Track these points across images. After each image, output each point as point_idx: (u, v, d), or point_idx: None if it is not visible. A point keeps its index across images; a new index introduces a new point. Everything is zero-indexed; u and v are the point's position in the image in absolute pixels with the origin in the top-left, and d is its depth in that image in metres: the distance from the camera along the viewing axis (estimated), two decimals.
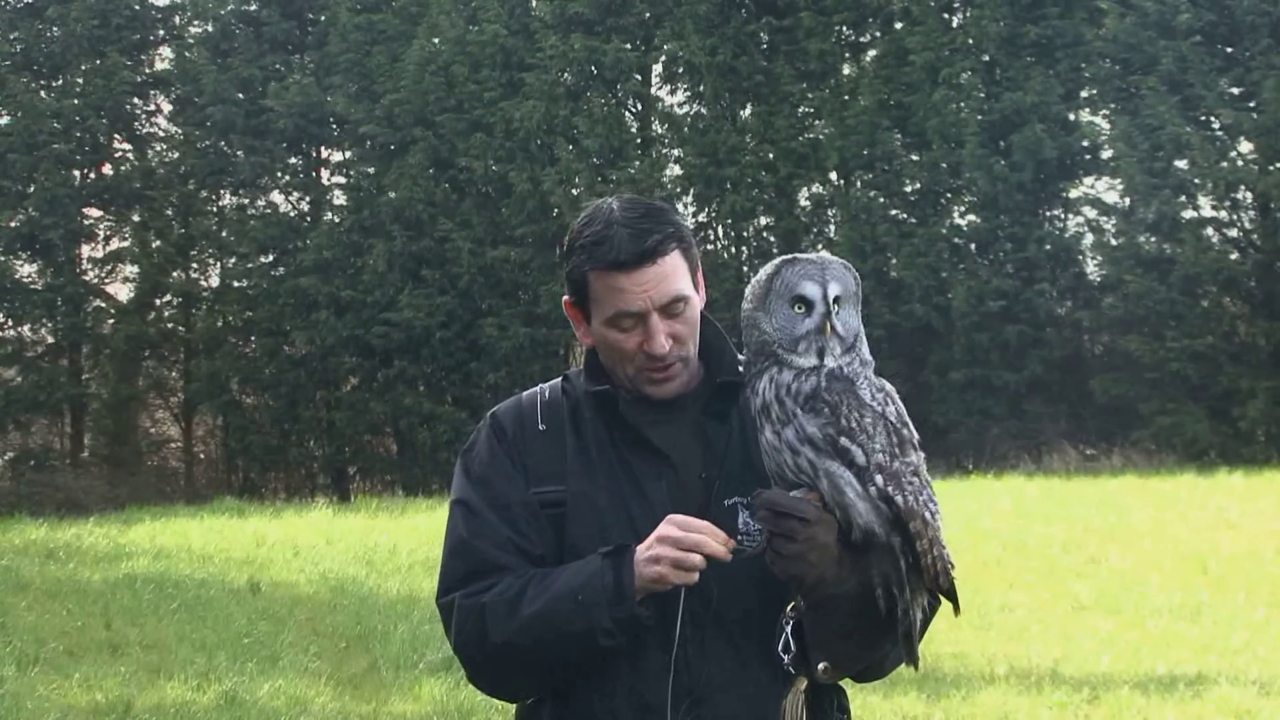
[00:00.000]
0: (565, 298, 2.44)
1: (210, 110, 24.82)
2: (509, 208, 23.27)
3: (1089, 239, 21.90)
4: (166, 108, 26.68)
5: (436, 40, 24.10)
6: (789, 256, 2.26)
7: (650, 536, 2.24)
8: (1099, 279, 21.81)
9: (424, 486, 22.64)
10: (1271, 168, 19.78)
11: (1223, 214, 20.78)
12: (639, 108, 24.74)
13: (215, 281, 26.21)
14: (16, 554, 12.53)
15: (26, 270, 25.52)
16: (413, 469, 24.02)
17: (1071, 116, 21.74)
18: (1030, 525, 12.44)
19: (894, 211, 22.42)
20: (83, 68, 25.56)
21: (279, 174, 25.86)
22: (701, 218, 23.70)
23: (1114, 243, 21.28)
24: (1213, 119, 20.46)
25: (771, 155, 22.85)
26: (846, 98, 22.85)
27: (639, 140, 24.24)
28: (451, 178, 23.98)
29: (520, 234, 22.99)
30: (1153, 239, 20.72)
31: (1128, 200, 21.29)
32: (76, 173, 25.79)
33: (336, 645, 8.89)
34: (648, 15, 23.72)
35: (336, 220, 25.10)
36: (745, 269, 22.57)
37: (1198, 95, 20.05)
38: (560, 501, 2.35)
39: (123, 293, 26.25)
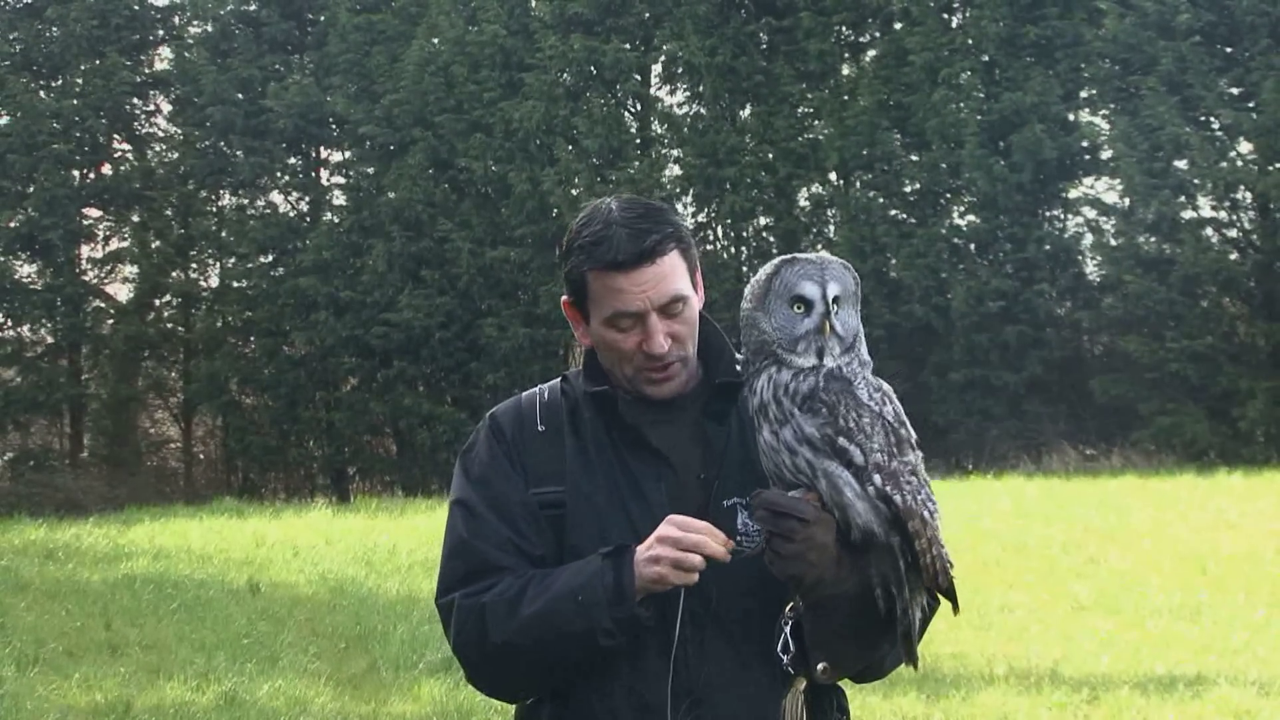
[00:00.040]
0: (564, 298, 2.44)
1: (210, 110, 24.82)
2: (508, 208, 23.27)
3: (1088, 239, 21.92)
4: (166, 108, 26.71)
5: (436, 40, 24.10)
6: (788, 256, 2.26)
7: (650, 537, 2.24)
8: (1098, 279, 21.81)
9: (423, 487, 22.63)
10: (1271, 168, 19.78)
11: (1222, 214, 20.79)
12: (638, 108, 24.74)
13: (215, 282, 26.22)
14: (16, 554, 12.53)
15: (26, 270, 25.54)
16: (412, 469, 24.02)
17: (1071, 117, 21.74)
18: (1030, 526, 12.44)
19: (893, 212, 22.42)
20: (82, 68, 25.57)
21: (278, 174, 25.86)
22: (701, 218, 23.70)
23: (1113, 243, 21.28)
24: (1212, 119, 20.46)
25: (771, 155, 22.85)
26: (846, 98, 22.85)
27: (638, 140, 24.24)
28: (451, 178, 23.98)
29: (520, 234, 22.99)
30: (1152, 239, 20.72)
31: (1127, 200, 21.29)
32: (76, 173, 25.79)
33: (336, 646, 8.89)
34: (647, 15, 23.72)
35: (336, 221, 25.10)
36: (745, 269, 22.56)
37: (1197, 95, 20.05)
38: (559, 502, 2.35)
39: (122, 293, 26.30)
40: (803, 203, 23.84)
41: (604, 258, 2.31)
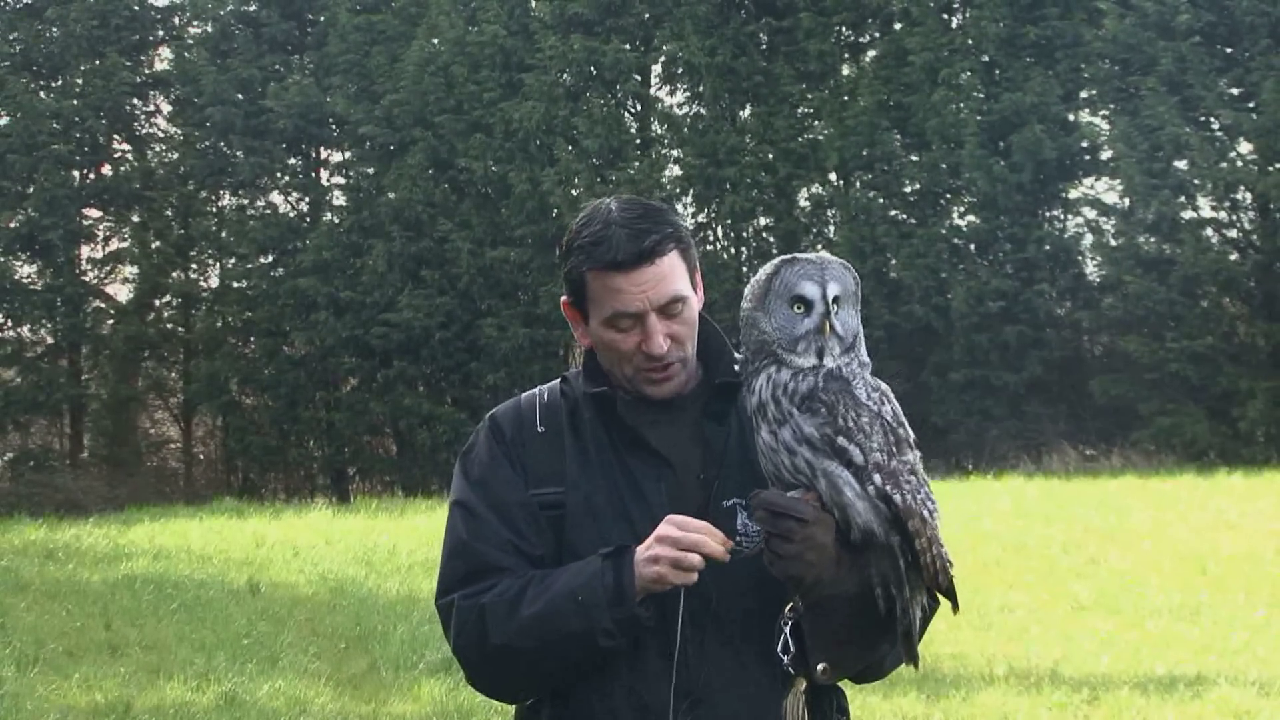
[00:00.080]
0: (563, 298, 2.44)
1: (210, 111, 24.82)
2: (508, 208, 23.27)
3: (1088, 239, 21.93)
4: (166, 108, 26.72)
5: (436, 41, 24.10)
6: (788, 256, 2.26)
7: (649, 537, 2.24)
8: (1098, 279, 21.81)
9: (423, 487, 22.63)
10: (1271, 168, 19.78)
11: (1222, 214, 20.79)
12: (638, 108, 24.74)
13: (215, 282, 26.22)
14: (16, 555, 12.53)
15: (26, 271, 25.54)
16: (412, 469, 24.02)
17: (1071, 117, 21.74)
18: (1030, 526, 12.44)
19: (893, 212, 22.42)
20: (82, 68, 25.57)
21: (278, 174, 25.86)
22: (701, 218, 23.70)
23: (1113, 243, 21.29)
24: (1212, 119, 20.47)
25: (771, 156, 22.86)
26: (846, 98, 22.85)
27: (638, 141, 24.24)
28: (451, 178, 23.99)
29: (520, 234, 23.00)
30: (1152, 239, 20.72)
31: (1127, 201, 21.29)
32: (76, 173, 25.80)
33: (336, 646, 8.88)
34: (647, 16, 23.72)
35: (336, 221, 25.10)
36: (745, 270, 22.56)
37: (1197, 96, 20.05)
38: (559, 503, 2.35)
39: (122, 293, 26.31)
40: (803, 203, 23.84)
41: (603, 258, 2.31)
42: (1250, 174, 20.01)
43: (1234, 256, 20.54)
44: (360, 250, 23.83)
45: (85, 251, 25.82)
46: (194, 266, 26.13)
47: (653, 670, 2.28)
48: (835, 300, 2.21)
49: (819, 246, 22.55)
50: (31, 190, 24.74)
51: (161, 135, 26.76)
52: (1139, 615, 9.01)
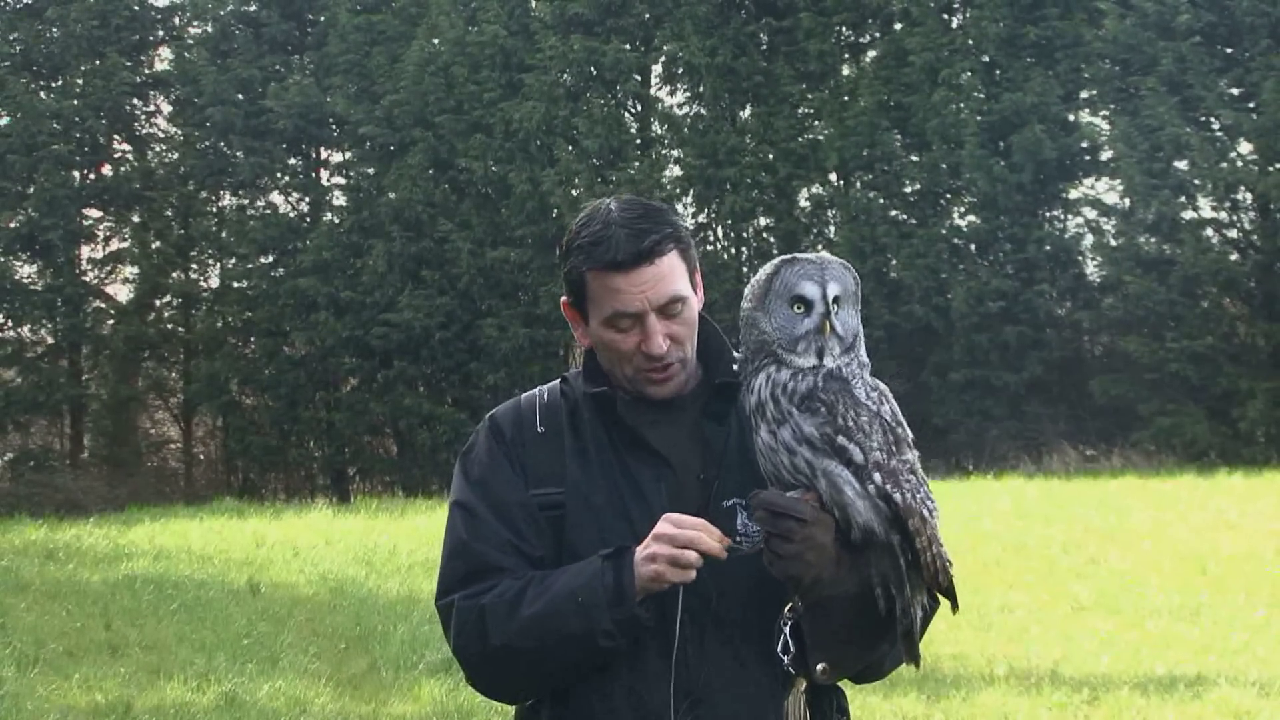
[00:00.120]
0: (563, 298, 2.44)
1: (210, 111, 24.83)
2: (508, 208, 23.27)
3: (1089, 240, 21.93)
4: (166, 108, 26.72)
5: (436, 41, 24.11)
6: (788, 256, 2.26)
7: (648, 536, 2.24)
8: (1099, 280, 21.81)
9: (423, 487, 22.63)
10: (1271, 168, 19.78)
11: (1222, 215, 20.79)
12: (639, 108, 24.74)
13: (215, 282, 26.23)
14: (16, 555, 12.53)
15: (26, 271, 25.55)
16: (412, 470, 24.02)
17: (1071, 117, 21.74)
18: (1030, 526, 12.44)
19: (894, 212, 22.43)
20: (82, 68, 25.57)
21: (278, 175, 25.86)
22: (701, 218, 23.70)
23: (1114, 243, 21.29)
24: (1212, 120, 20.46)
25: (771, 156, 22.86)
26: (846, 98, 22.86)
27: (638, 141, 24.24)
28: (451, 178, 23.99)
29: (520, 235, 23.00)
30: (1152, 240, 20.72)
31: (1127, 201, 21.29)
32: (76, 173, 25.79)
33: (336, 646, 8.88)
34: (647, 16, 23.72)
35: (336, 221, 25.10)
36: (745, 270, 22.56)
37: (1197, 96, 20.05)
38: (559, 503, 2.35)
39: (122, 293, 26.30)
40: (803, 203, 23.84)
41: (603, 258, 2.31)
42: (1250, 174, 20.01)
43: (1234, 257, 20.54)
44: (360, 250, 23.84)
45: (85, 252, 25.85)
46: (194, 266, 26.14)
47: (653, 670, 2.28)
48: (835, 300, 2.21)
49: (819, 247, 22.55)
50: (32, 190, 24.74)
51: (162, 135, 26.77)
52: (1139, 615, 9.01)
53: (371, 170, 24.61)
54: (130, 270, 25.98)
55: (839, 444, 2.14)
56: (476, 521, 2.37)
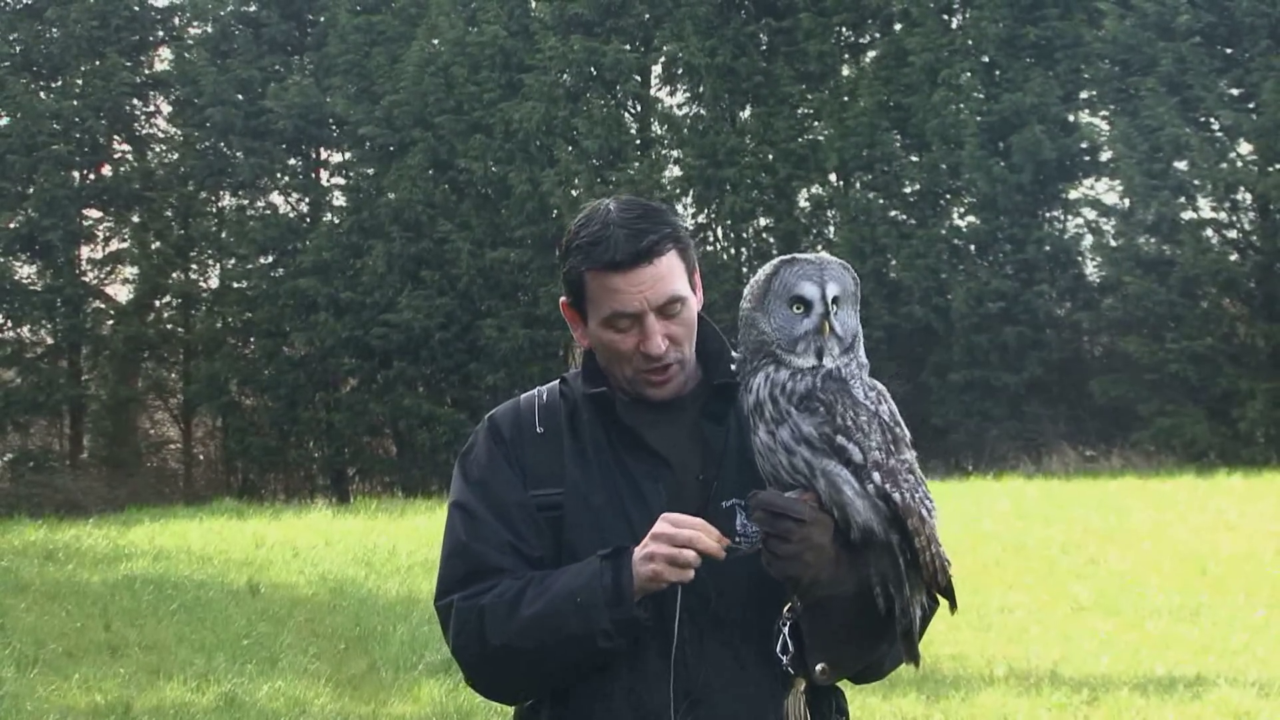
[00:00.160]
0: (562, 299, 2.44)
1: (209, 111, 24.82)
2: (508, 209, 23.27)
3: (1088, 240, 21.92)
4: (166, 109, 26.70)
5: (436, 41, 24.10)
6: (788, 257, 2.26)
7: (646, 536, 2.24)
8: (1098, 280, 21.81)
9: (423, 488, 22.62)
10: (1271, 169, 19.78)
11: (1222, 215, 20.78)
12: (638, 109, 24.74)
13: (215, 283, 26.22)
14: (16, 555, 12.53)
15: (26, 271, 25.53)
16: (412, 470, 24.01)
17: (1071, 118, 21.73)
18: (1030, 527, 12.44)
19: (893, 213, 22.42)
20: (82, 69, 25.57)
21: (278, 175, 25.85)
22: (701, 219, 23.70)
23: (1113, 244, 21.29)
24: (1212, 120, 20.46)
25: (771, 156, 22.86)
26: (846, 99, 22.85)
27: (638, 141, 24.24)
28: (451, 179, 23.98)
29: (519, 235, 22.99)
30: (1152, 240, 20.72)
31: (1127, 201, 21.28)
32: (76, 174, 25.78)
33: (336, 646, 8.88)
34: (647, 16, 23.71)
35: (336, 221, 25.10)
36: (744, 270, 22.55)
37: (1197, 96, 20.05)
38: (558, 504, 2.35)
39: (122, 294, 26.30)
40: (802, 204, 23.84)
41: (601, 258, 2.31)
42: (1250, 174, 20.01)
43: (1234, 257, 20.54)
44: (360, 251, 23.83)
45: (85, 252, 25.84)
46: (194, 267, 26.13)
47: (652, 671, 2.28)
48: (834, 301, 2.21)
49: (819, 247, 22.53)
50: (31, 191, 24.73)
51: (161, 136, 26.76)
52: (1139, 616, 9.01)
53: (371, 171, 24.61)
54: (130, 271, 26.00)
55: (838, 443, 2.15)
56: (476, 522, 2.37)
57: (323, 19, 25.43)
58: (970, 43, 22.02)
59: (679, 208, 22.97)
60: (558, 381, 2.48)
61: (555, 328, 22.03)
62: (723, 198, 23.00)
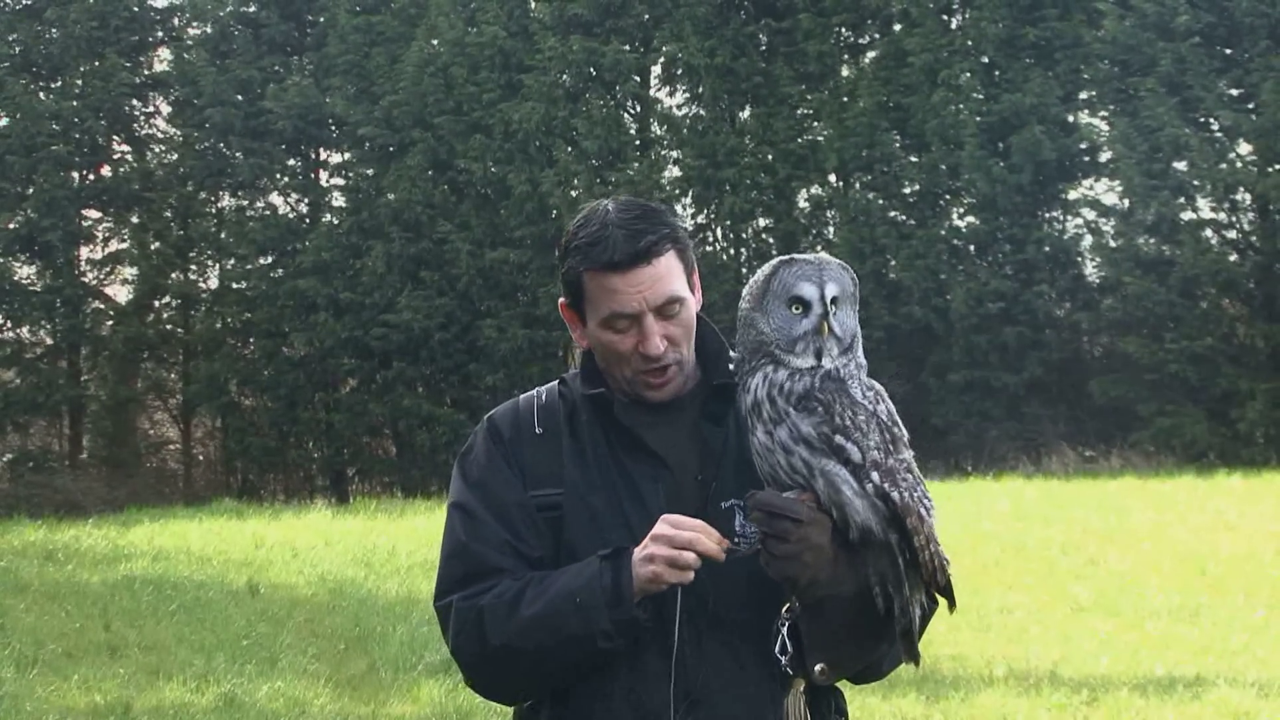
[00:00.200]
0: (561, 300, 2.44)
1: (209, 112, 24.82)
2: (508, 209, 23.27)
3: (1088, 240, 21.92)
4: (165, 109, 26.70)
5: (435, 42, 24.10)
6: (787, 257, 2.26)
7: (646, 537, 2.24)
8: (1098, 281, 21.81)
9: (423, 488, 22.61)
10: (1270, 169, 19.78)
11: (1222, 216, 20.78)
12: (638, 109, 24.74)
13: (214, 283, 26.21)
14: (15, 555, 12.52)
15: (25, 272, 25.53)
16: (411, 470, 24.01)
17: (1070, 118, 21.73)
18: (1029, 527, 12.44)
19: (893, 213, 22.41)
20: (81, 69, 25.56)
21: (278, 176, 25.85)
22: (700, 219, 23.69)
23: (1113, 244, 21.29)
24: (1212, 120, 20.46)
25: (770, 157, 22.85)
26: (845, 99, 22.85)
27: (638, 142, 24.24)
28: (450, 179, 23.98)
29: (519, 236, 22.99)
30: (1152, 241, 20.72)
31: (1127, 202, 21.28)
32: (75, 174, 25.78)
33: (335, 647, 8.88)
34: (646, 17, 23.71)
35: (335, 222, 25.10)
36: (744, 271, 22.55)
37: (1197, 97, 20.05)
38: (557, 505, 2.35)
39: (121, 294, 26.30)
40: (802, 204, 23.84)
41: (600, 258, 2.31)
42: (1250, 175, 20.00)
43: (1233, 258, 20.53)
44: (360, 251, 23.83)
45: (85, 252, 25.83)
46: (193, 268, 26.13)
47: (652, 671, 2.28)
48: (833, 301, 2.21)
49: (818, 247, 22.52)
50: (31, 191, 24.73)
51: (161, 136, 26.76)
52: (1138, 616, 9.01)
53: (371, 171, 24.60)
54: (129, 271, 26.00)
55: (836, 443, 2.15)
56: (475, 523, 2.36)
57: (322, 19, 25.43)
58: (970, 43, 22.02)
59: (678, 208, 22.97)
60: (557, 382, 2.48)
61: (555, 328, 22.03)
62: (722, 198, 23.00)
